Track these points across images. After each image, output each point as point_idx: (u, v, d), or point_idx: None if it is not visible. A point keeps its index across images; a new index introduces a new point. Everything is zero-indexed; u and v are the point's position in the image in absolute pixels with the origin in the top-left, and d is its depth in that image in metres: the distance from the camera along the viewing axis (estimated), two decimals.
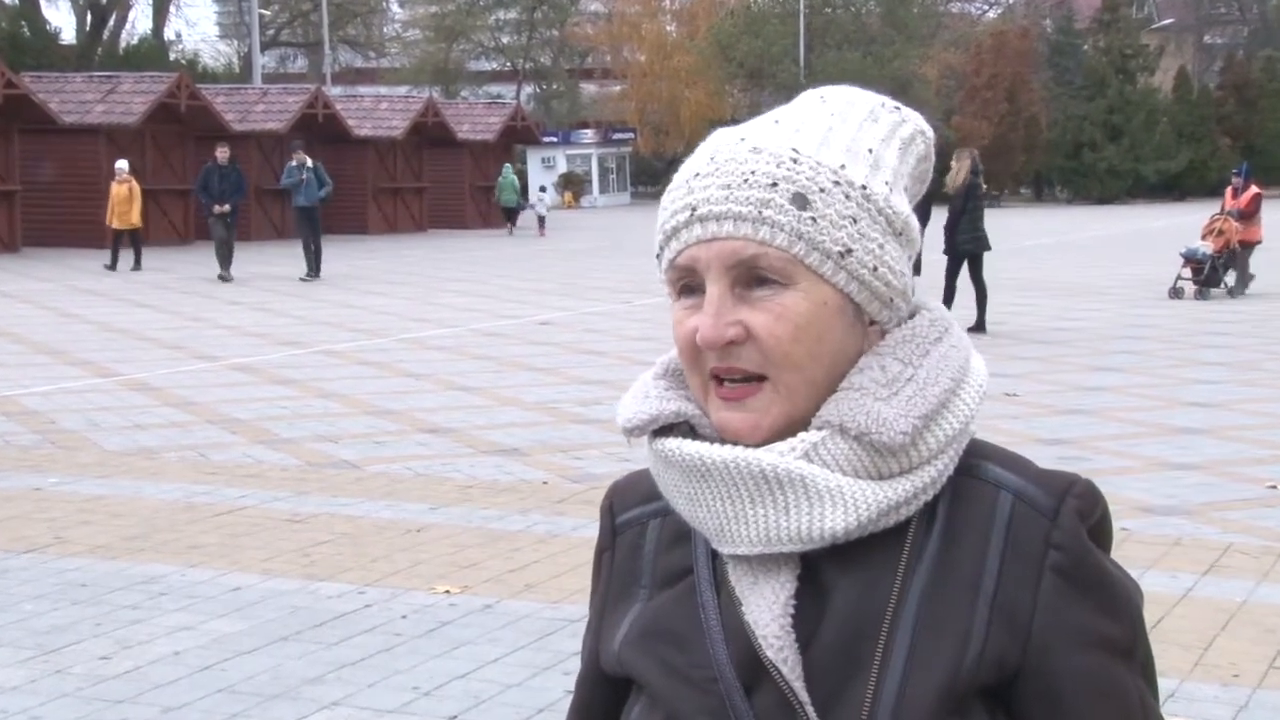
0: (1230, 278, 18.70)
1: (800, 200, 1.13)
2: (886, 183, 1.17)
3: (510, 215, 37.49)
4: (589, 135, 58.77)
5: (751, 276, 1.13)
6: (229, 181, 21.52)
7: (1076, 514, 1.14)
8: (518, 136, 43.84)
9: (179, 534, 6.56)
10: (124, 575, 5.91)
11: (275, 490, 7.45)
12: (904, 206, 1.18)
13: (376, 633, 5.17)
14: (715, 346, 1.13)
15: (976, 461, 1.17)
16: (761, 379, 1.14)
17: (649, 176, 65.83)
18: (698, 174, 1.16)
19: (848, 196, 1.14)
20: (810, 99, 1.21)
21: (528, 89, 65.25)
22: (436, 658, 4.91)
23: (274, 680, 4.70)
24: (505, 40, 68.07)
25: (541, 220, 36.72)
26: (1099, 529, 1.17)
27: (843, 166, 1.15)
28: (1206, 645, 5.02)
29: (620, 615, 1.23)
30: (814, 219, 1.13)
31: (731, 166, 1.15)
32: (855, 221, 1.14)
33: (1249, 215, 18.88)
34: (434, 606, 5.48)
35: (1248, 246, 18.90)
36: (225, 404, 10.27)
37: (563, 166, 56.24)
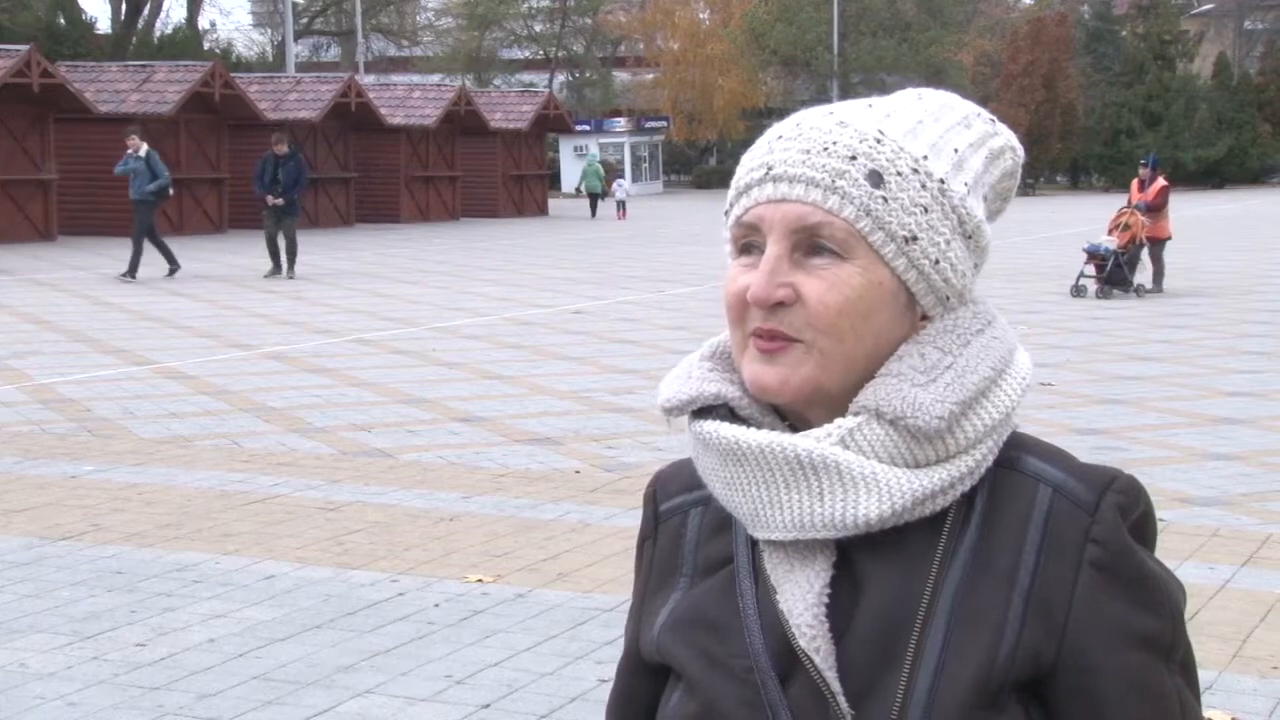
0: (1145, 276, 17.45)
1: (875, 178, 1.13)
2: (966, 184, 1.17)
3: (594, 201, 40.73)
4: (622, 123, 58.71)
5: (812, 244, 1.13)
6: (286, 171, 19.99)
7: (1117, 509, 1.12)
8: (550, 125, 43.84)
9: (213, 522, 6.59)
10: (159, 563, 5.94)
11: (308, 479, 7.47)
12: (979, 211, 1.18)
13: (409, 621, 5.17)
14: (764, 305, 1.13)
15: (1016, 454, 1.16)
16: (801, 341, 1.13)
17: (682, 165, 65.73)
18: (781, 136, 1.17)
19: (924, 186, 1.14)
20: (908, 95, 1.21)
21: (560, 77, 65.24)
22: (469, 646, 4.91)
23: (308, 668, 4.71)
24: (538, 28, 68.07)
25: (621, 205, 39.92)
26: (1141, 525, 1.15)
27: (925, 158, 1.15)
28: (1245, 637, 4.96)
29: (661, 603, 1.23)
30: (885, 199, 1.13)
31: (815, 135, 1.15)
32: (926, 211, 1.14)
33: (1156, 209, 17.43)
34: (466, 595, 5.49)
35: (1157, 243, 17.48)
36: (259, 392, 10.32)
37: (595, 155, 56.23)
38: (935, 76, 52.25)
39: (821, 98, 59.04)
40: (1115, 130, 58.34)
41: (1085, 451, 7.98)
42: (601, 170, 42.17)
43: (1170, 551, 5.80)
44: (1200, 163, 58.02)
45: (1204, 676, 4.63)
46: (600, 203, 40.83)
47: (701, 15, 65.57)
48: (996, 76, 58.22)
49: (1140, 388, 10.46)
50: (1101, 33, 62.60)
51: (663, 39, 64.50)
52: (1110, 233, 17.40)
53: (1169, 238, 17.87)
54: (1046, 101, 56.22)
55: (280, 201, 19.86)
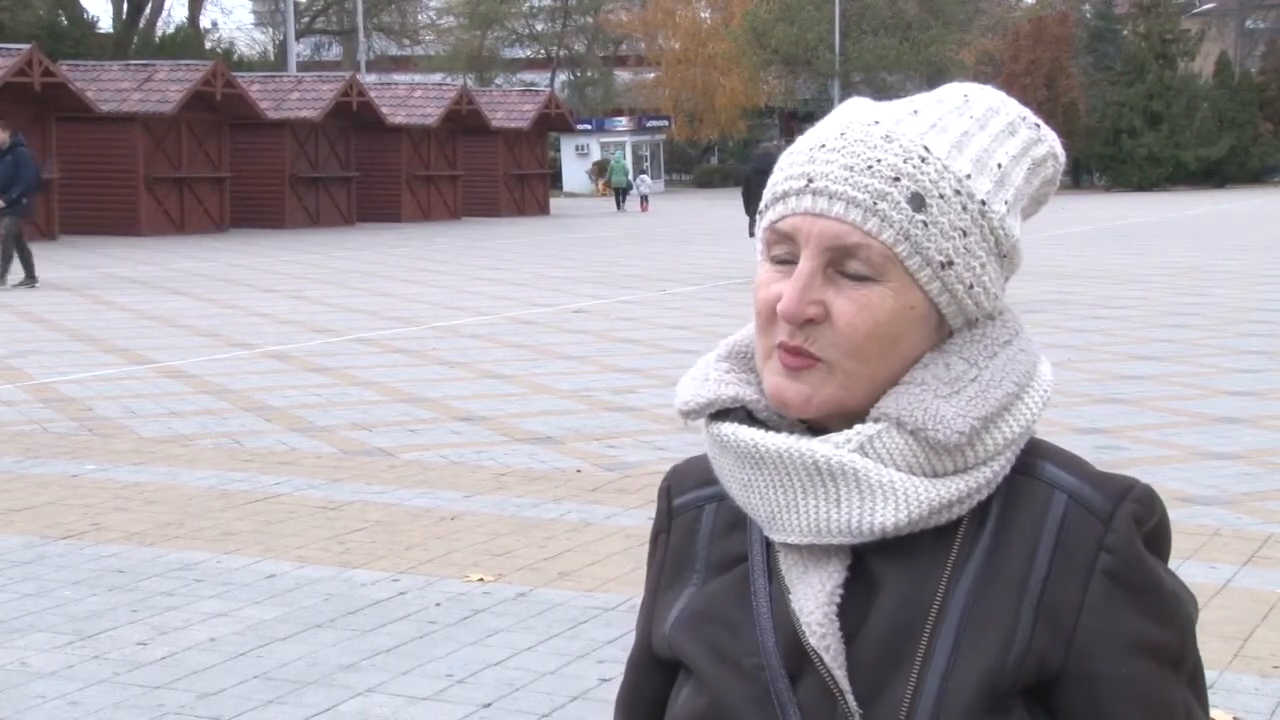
0: None
1: (918, 201, 1.11)
2: (1006, 202, 1.15)
3: (620, 194, 44.56)
4: (623, 123, 58.75)
5: (846, 263, 1.12)
6: (2, 166, 17.46)
7: (1132, 518, 1.12)
8: (552, 124, 43.87)
9: (214, 521, 6.59)
10: (160, 562, 5.94)
11: (310, 478, 7.47)
12: (1016, 230, 1.16)
13: (410, 620, 5.17)
14: (794, 321, 1.11)
15: (1033, 460, 1.15)
16: (824, 362, 1.13)
17: (683, 164, 65.74)
18: (824, 145, 1.14)
19: (964, 208, 1.12)
20: (954, 96, 1.18)
21: (562, 76, 65.25)
22: (470, 645, 4.91)
23: (309, 667, 4.71)
24: (539, 27, 68.10)
25: (644, 198, 43.65)
26: (1155, 535, 1.15)
27: (968, 176, 1.13)
28: (1246, 636, 4.96)
29: (673, 598, 1.23)
30: (926, 223, 1.11)
31: (860, 149, 1.12)
32: (965, 235, 1.12)
33: None
34: (467, 594, 5.49)
35: None
36: (260, 391, 10.32)
37: (596, 154, 56.26)
38: (937, 76, 52.23)
39: (822, 97, 59.05)
40: (1117, 129, 58.35)
41: (1086, 450, 7.97)
42: (628, 166, 45.84)
43: (1171, 551, 5.79)
44: (1201, 162, 58.00)
45: (1205, 676, 4.63)
46: (626, 197, 44.16)
47: (703, 14, 65.59)
48: (998, 76, 58.15)
49: (1140, 387, 10.46)
50: (1103, 32, 62.60)
51: (664, 38, 64.53)
52: None
53: None
54: (1048, 101, 56.20)
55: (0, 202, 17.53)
